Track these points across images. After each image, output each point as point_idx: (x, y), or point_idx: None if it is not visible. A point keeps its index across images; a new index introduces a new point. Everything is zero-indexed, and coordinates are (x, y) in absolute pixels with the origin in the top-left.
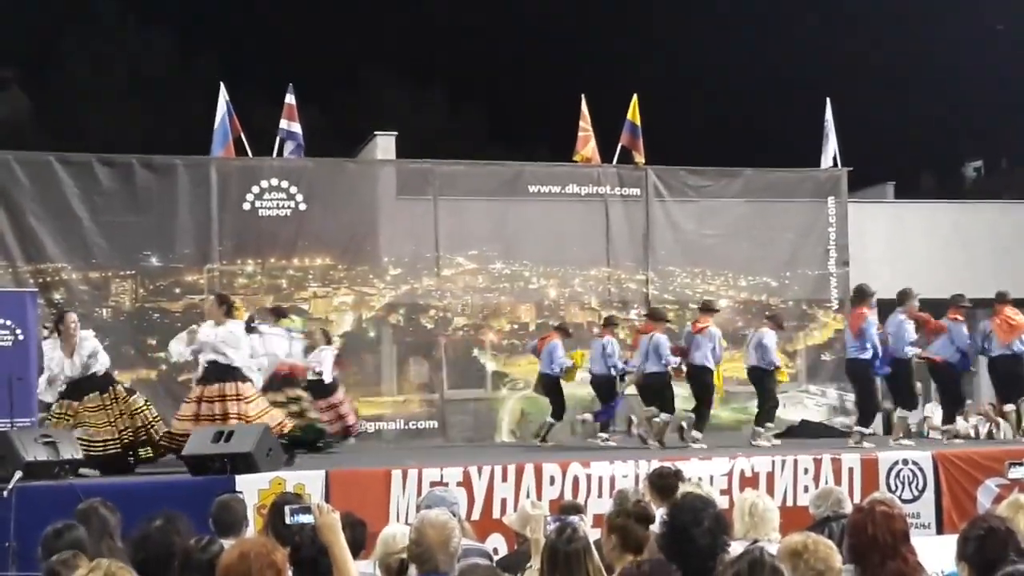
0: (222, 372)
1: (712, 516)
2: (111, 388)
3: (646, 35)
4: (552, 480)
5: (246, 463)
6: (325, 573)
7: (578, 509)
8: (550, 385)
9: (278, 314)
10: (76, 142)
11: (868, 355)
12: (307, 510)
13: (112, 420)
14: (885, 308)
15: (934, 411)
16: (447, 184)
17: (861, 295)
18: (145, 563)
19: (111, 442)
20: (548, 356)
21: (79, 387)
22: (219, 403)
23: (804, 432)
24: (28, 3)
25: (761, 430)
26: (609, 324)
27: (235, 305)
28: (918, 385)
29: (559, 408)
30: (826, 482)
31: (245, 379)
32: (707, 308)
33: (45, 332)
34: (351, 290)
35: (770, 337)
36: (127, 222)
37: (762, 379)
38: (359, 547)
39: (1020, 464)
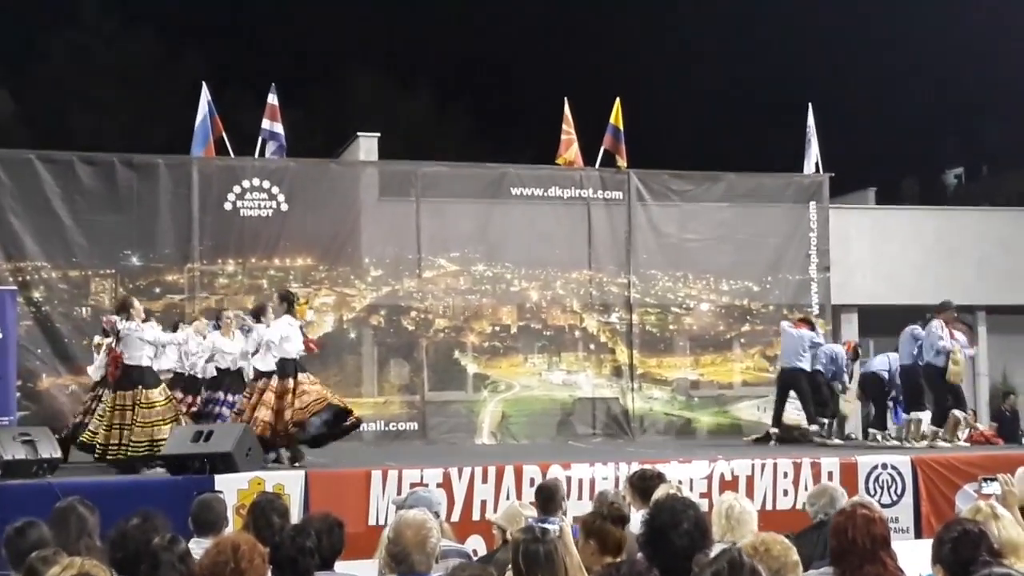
0: None
1: (692, 518)
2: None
3: (630, 40)
4: (532, 482)
5: (225, 463)
6: (304, 573)
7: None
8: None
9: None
10: (59, 141)
11: None
12: None
13: None
14: (866, 315)
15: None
16: (430, 185)
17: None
18: (122, 562)
19: None
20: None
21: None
22: None
23: (782, 437)
24: (11, 1)
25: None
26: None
27: None
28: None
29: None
30: (805, 486)
31: None
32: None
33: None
34: (332, 291)
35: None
36: (108, 221)
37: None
38: (337, 550)
39: (993, 480)
